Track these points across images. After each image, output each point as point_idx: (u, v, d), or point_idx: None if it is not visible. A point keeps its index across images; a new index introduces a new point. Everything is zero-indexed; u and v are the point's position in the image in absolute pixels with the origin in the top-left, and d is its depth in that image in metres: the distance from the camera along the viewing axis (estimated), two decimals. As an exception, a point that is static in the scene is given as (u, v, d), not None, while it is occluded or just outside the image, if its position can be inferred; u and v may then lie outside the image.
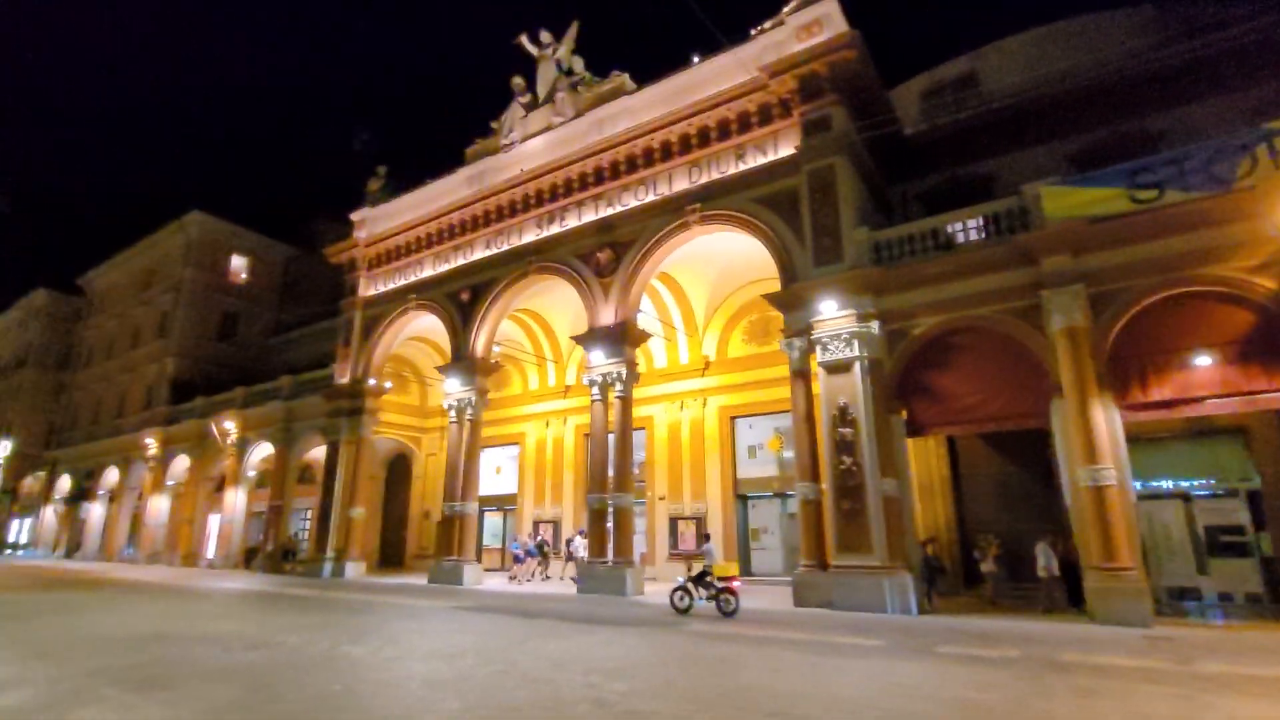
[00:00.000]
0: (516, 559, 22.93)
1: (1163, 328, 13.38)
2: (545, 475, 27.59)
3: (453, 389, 23.89)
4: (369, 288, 28.71)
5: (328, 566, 25.60)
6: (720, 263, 21.95)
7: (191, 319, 41.47)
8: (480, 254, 24.72)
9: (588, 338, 20.54)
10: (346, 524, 26.17)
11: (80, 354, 50.53)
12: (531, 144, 23.87)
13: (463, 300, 24.63)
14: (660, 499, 24.07)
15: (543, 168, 22.95)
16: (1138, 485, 14.07)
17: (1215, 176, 12.77)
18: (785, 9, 18.69)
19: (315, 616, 14.53)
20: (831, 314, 16.12)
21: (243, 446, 32.56)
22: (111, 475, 41.90)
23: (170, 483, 37.09)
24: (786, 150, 18.10)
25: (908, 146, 21.02)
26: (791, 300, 16.94)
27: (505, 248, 23.95)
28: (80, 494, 43.83)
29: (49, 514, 47.18)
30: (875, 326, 15.89)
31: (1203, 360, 13.02)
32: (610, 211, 21.33)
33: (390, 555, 32.06)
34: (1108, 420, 13.33)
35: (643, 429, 24.24)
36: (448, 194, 26.09)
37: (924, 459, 18.77)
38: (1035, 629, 12.03)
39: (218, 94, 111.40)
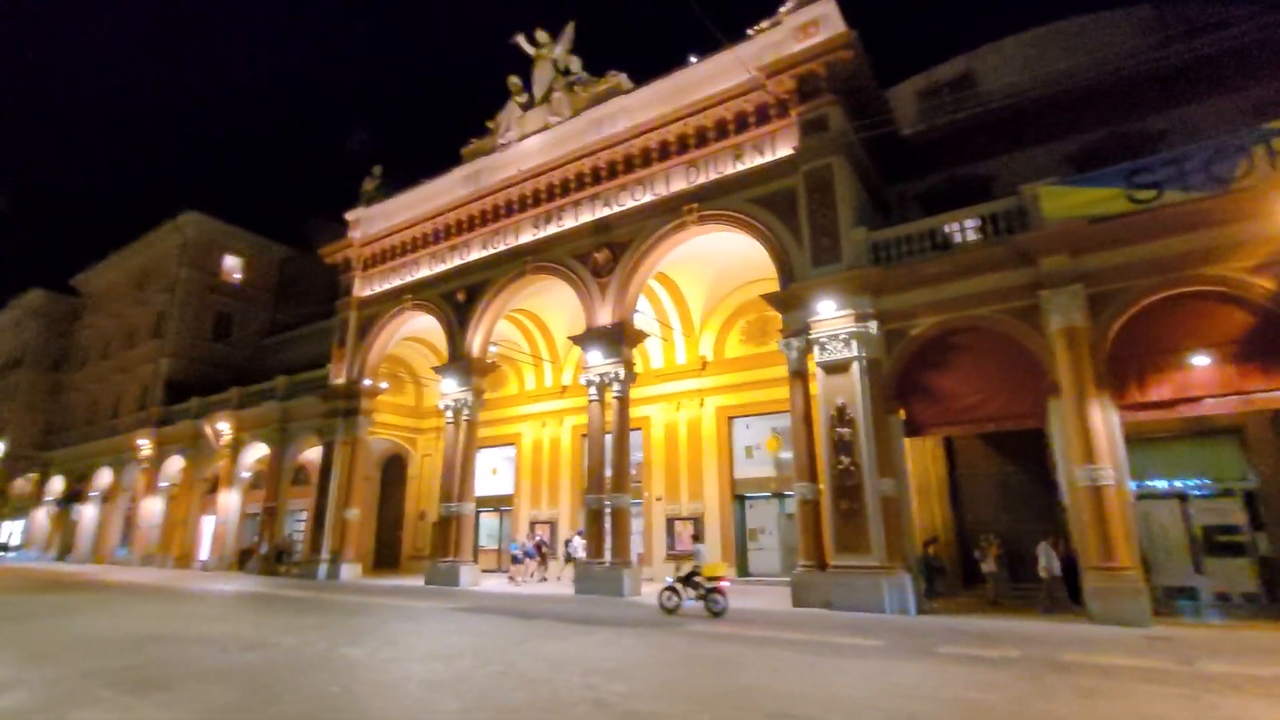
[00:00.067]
0: (515, 559, 22.85)
1: (1161, 328, 13.40)
2: (542, 476, 27.52)
3: (449, 389, 23.81)
4: (364, 288, 28.60)
5: (323, 568, 25.48)
6: (717, 263, 21.92)
7: (187, 319, 41.27)
8: (477, 254, 24.64)
9: (585, 338, 20.50)
10: (342, 525, 26.04)
11: (75, 354, 50.25)
12: (528, 144, 23.81)
13: (459, 300, 24.55)
14: (657, 499, 24.03)
15: (539, 167, 22.90)
16: (1134, 485, 14.08)
17: (1214, 177, 12.83)
18: (782, 9, 18.70)
19: (312, 618, 14.44)
20: (830, 314, 16.10)
21: (237, 447, 32.39)
22: (105, 476, 41.64)
23: (164, 484, 36.88)
24: (784, 150, 18.08)
25: (905, 147, 21.05)
26: (790, 300, 16.92)
27: (502, 248, 23.88)
28: (73, 495, 43.55)
29: (41, 515, 46.88)
30: (873, 326, 15.88)
31: (1200, 360, 13.04)
32: (607, 211, 21.29)
33: (385, 557, 31.93)
34: (1106, 420, 13.34)
35: (639, 429, 24.19)
36: (444, 194, 26.02)
37: (921, 459, 18.78)
38: (1034, 629, 12.02)
39: (213, 94, 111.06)
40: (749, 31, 19.18)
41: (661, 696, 7.34)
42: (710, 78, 19.53)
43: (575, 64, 23.76)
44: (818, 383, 16.22)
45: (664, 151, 20.34)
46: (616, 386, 19.72)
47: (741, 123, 18.98)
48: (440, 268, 25.73)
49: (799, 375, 16.75)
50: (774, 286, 17.76)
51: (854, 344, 15.73)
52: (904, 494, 15.35)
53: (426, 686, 7.85)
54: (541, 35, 24.64)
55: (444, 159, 26.61)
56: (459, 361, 23.77)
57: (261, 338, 43.77)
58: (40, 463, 47.76)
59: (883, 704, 6.89)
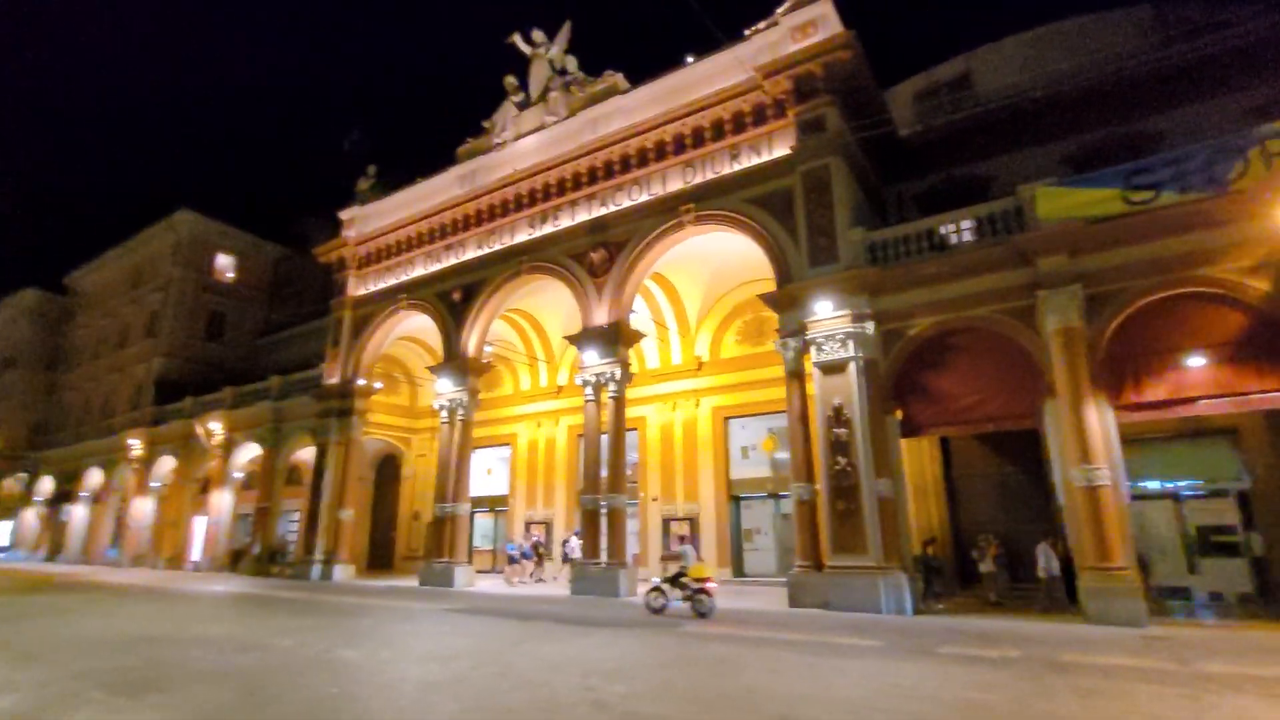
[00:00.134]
0: (511, 560, 22.76)
1: (1157, 329, 13.44)
2: (537, 476, 27.43)
3: (444, 389, 23.70)
4: (359, 287, 28.46)
5: (316, 569, 25.32)
6: (714, 263, 21.90)
7: (180, 318, 40.99)
8: (472, 253, 24.55)
9: (581, 338, 20.44)
10: (335, 526, 25.89)
11: (68, 354, 49.86)
12: (524, 143, 23.74)
13: (454, 300, 24.45)
14: (653, 500, 23.98)
15: (536, 167, 22.84)
16: (1129, 486, 14.11)
17: (1211, 178, 12.83)
18: (780, 9, 18.68)
19: (306, 619, 14.34)
20: (827, 314, 16.09)
21: (230, 447, 32.17)
22: (95, 476, 41.32)
23: (155, 484, 36.60)
24: (781, 151, 18.08)
25: (903, 147, 21.06)
26: (786, 300, 16.91)
27: (497, 247, 23.80)
28: (63, 495, 43.21)
29: (30, 516, 46.48)
30: (870, 327, 15.88)
31: (1196, 361, 13.09)
32: (604, 211, 21.24)
33: (379, 557, 31.77)
34: (1102, 420, 13.37)
35: (635, 429, 24.13)
36: (439, 193, 25.92)
37: (917, 460, 18.80)
38: (1031, 629, 12.03)
39: (207, 92, 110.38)
40: (746, 32, 19.17)
41: (662, 698, 7.29)
42: (707, 78, 19.52)
43: (572, 64, 23.70)
44: (814, 383, 16.21)
45: (661, 151, 20.30)
46: (612, 387, 19.67)
47: (738, 123, 18.97)
48: (435, 267, 25.62)
49: (796, 375, 16.73)
50: (770, 287, 17.75)
51: (851, 344, 15.73)
52: (900, 494, 15.36)
53: (424, 688, 7.79)
54: (538, 35, 24.58)
55: (439, 159, 26.51)
56: (454, 361, 23.67)
57: (255, 337, 43.53)
58: (30, 463, 47.35)
59: (884, 705, 6.86)
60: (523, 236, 23.15)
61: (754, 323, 23.20)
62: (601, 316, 20.21)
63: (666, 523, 23.30)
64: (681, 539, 17.94)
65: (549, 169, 22.46)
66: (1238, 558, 15.15)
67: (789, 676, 8.28)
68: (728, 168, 18.97)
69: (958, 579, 17.89)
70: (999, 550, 15.70)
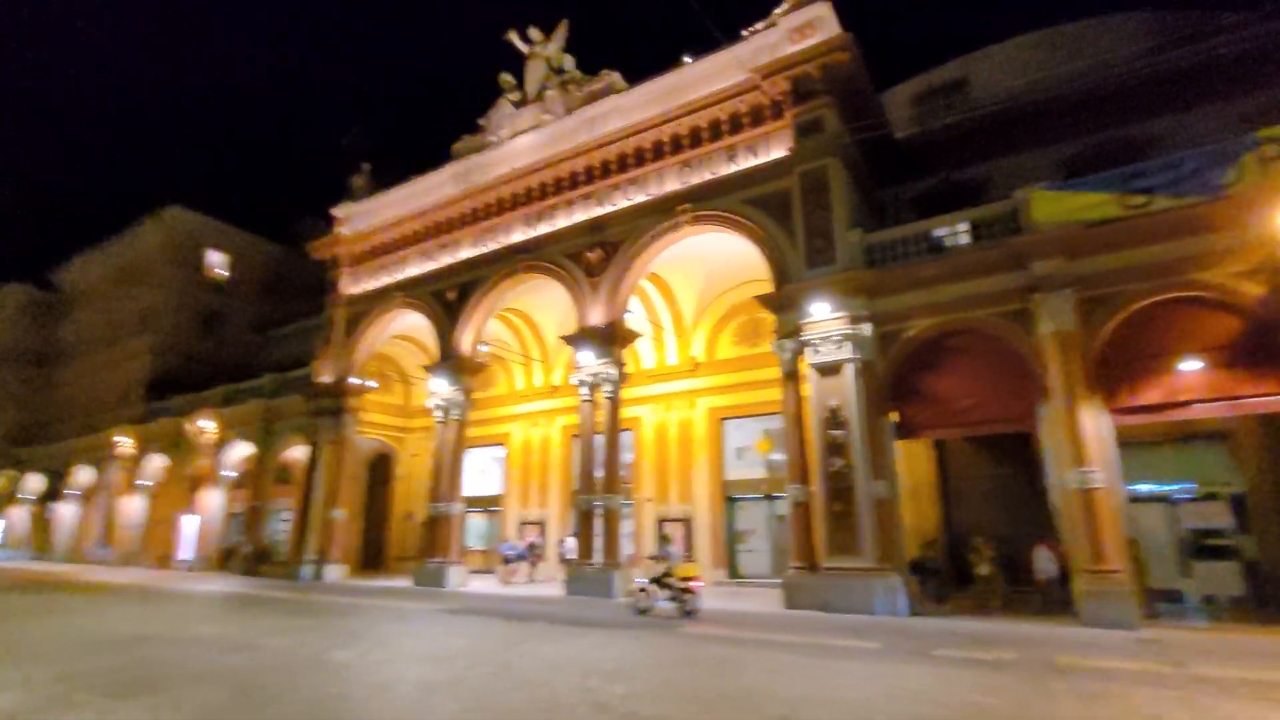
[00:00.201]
0: (506, 560, 22.67)
1: (1152, 332, 13.52)
2: (531, 476, 27.34)
3: (439, 388, 23.59)
4: (352, 285, 28.29)
5: (307, 569, 25.14)
6: (710, 264, 21.88)
7: (171, 316, 40.64)
8: (467, 252, 24.45)
9: (577, 338, 20.38)
10: (327, 525, 25.71)
11: (57, 351, 49.35)
12: (520, 141, 23.66)
13: (449, 299, 24.33)
14: (647, 500, 23.92)
15: (532, 166, 22.76)
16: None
17: (1204, 183, 12.96)
18: (778, 10, 18.71)
19: (300, 619, 14.23)
20: (823, 316, 16.11)
21: (221, 446, 31.90)
22: (84, 474, 40.91)
23: (145, 482, 36.28)
24: (779, 152, 18.09)
25: (899, 150, 21.10)
26: (783, 301, 16.91)
27: (493, 246, 23.71)
28: (51, 493, 42.78)
29: (17, 514, 45.98)
30: (867, 328, 15.91)
31: (1191, 365, 13.17)
32: (600, 211, 21.19)
33: (371, 557, 31.54)
34: (1097, 424, 13.44)
35: (630, 430, 24.07)
36: (434, 191, 25.79)
37: (912, 462, 18.80)
38: (1026, 631, 12.06)
39: (200, 89, 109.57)
40: (744, 33, 19.18)
41: (662, 699, 7.26)
42: (705, 78, 19.50)
43: (569, 62, 23.64)
44: (811, 384, 16.23)
45: (658, 151, 20.27)
46: (608, 387, 19.63)
47: (736, 124, 18.96)
48: (430, 265, 25.50)
49: (792, 377, 16.73)
50: (766, 288, 17.76)
51: (847, 346, 15.75)
52: (896, 496, 15.38)
53: (422, 689, 7.72)
54: (535, 33, 24.49)
55: (434, 156, 26.39)
56: (449, 360, 23.56)
57: (249, 335, 43.19)
58: (17, 460, 46.84)
59: (888, 708, 6.85)
60: (518, 235, 23.07)
61: (750, 324, 23.20)
62: (597, 316, 20.16)
63: (661, 523, 23.25)
64: (666, 539, 17.92)
65: (545, 168, 22.39)
66: (1230, 561, 15.25)
67: (788, 678, 8.26)
68: (725, 168, 18.96)
69: (951, 581, 17.92)
70: (994, 553, 15.72)
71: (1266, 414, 13.78)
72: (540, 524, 26.28)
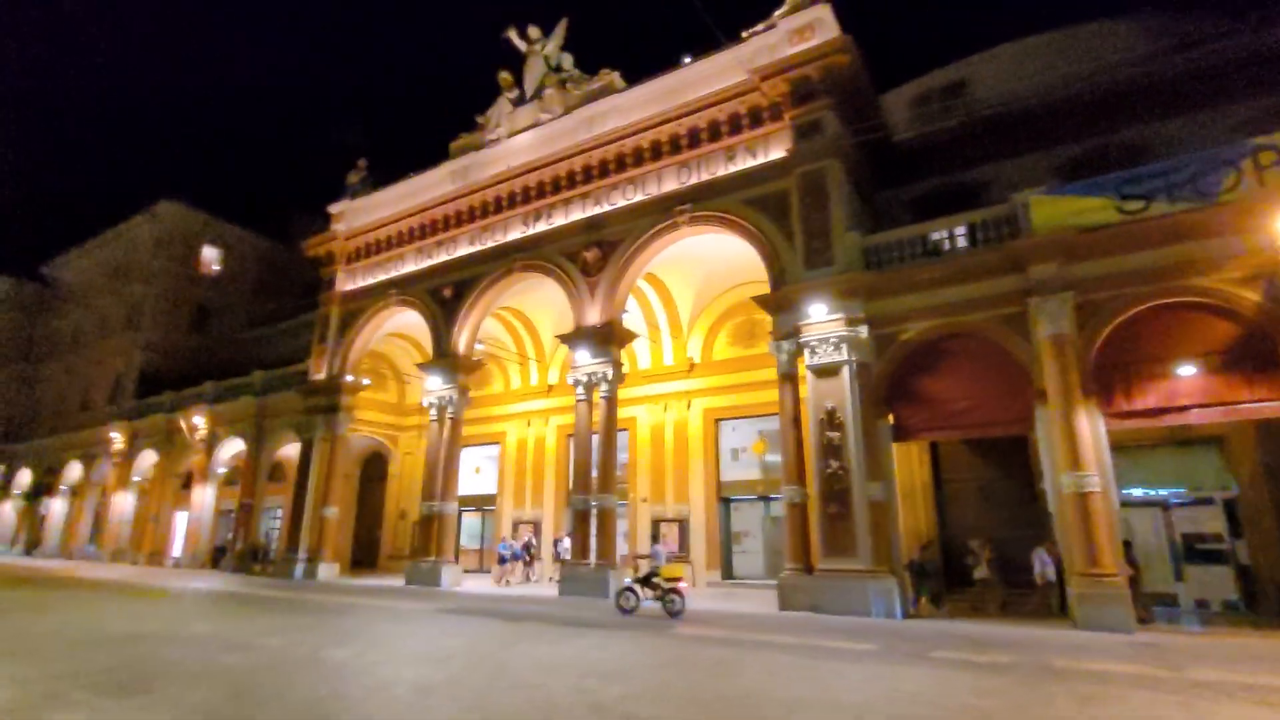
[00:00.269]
0: (501, 560, 22.62)
1: (1148, 337, 13.56)
2: (526, 476, 27.27)
3: (434, 387, 23.51)
4: (347, 282, 28.16)
5: (300, 567, 25.00)
6: (707, 264, 21.87)
7: (162, 311, 40.43)
8: (464, 250, 24.37)
9: (573, 337, 20.33)
10: (320, 524, 25.58)
11: (45, 345, 48.96)
12: (518, 140, 23.60)
13: (445, 297, 24.25)
14: (643, 501, 23.90)
15: (529, 164, 22.70)
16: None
17: (1201, 189, 13.02)
18: (777, 12, 18.72)
19: (293, 618, 14.14)
20: (821, 317, 16.11)
21: (212, 443, 31.73)
22: (74, 470, 40.65)
23: (136, 479, 36.05)
24: (777, 153, 18.09)
25: (897, 152, 21.14)
26: (781, 303, 16.91)
27: (490, 244, 23.64)
28: (41, 489, 42.45)
29: (7, 509, 45.64)
30: (864, 330, 15.92)
31: (1186, 370, 13.21)
32: (598, 210, 21.16)
33: (364, 556, 31.45)
34: (1092, 427, 13.46)
35: (626, 430, 24.04)
36: (431, 188, 25.70)
37: (906, 464, 18.80)
38: (1022, 634, 12.08)
39: (196, 85, 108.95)
40: (743, 34, 19.19)
41: (659, 700, 7.23)
42: (704, 79, 19.50)
43: (567, 61, 23.60)
44: (807, 386, 16.24)
45: (656, 151, 20.25)
46: (604, 387, 19.59)
47: (735, 124, 18.95)
48: (427, 263, 25.41)
49: (789, 378, 16.73)
50: (763, 289, 17.76)
51: (844, 348, 15.75)
52: (892, 498, 15.39)
53: (418, 690, 7.66)
54: (534, 31, 24.45)
55: (431, 154, 26.31)
56: (444, 359, 23.48)
57: (240, 331, 42.99)
58: (6, 455, 46.48)
59: (887, 710, 6.84)
60: (516, 234, 23.01)
61: (746, 325, 23.20)
62: (594, 316, 20.12)
63: (656, 524, 23.24)
64: (654, 539, 17.97)
65: (543, 166, 22.34)
66: (1223, 565, 15.33)
67: (785, 680, 8.24)
68: (724, 169, 18.95)
69: (945, 583, 17.95)
70: (992, 555, 15.76)
71: (1261, 419, 13.84)
72: (534, 524, 26.22)
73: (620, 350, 20.29)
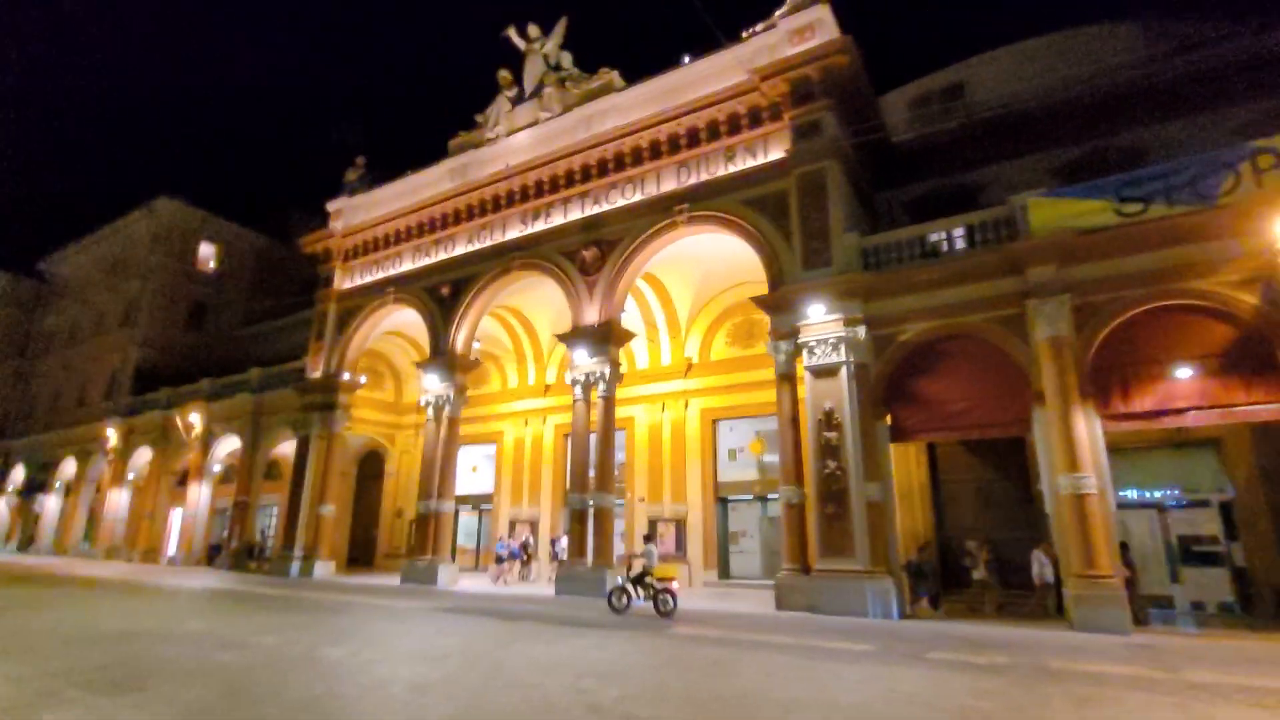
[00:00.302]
0: (499, 559, 22.59)
1: (1145, 339, 13.58)
2: (523, 475, 27.22)
3: (431, 385, 23.47)
4: (345, 280, 28.10)
5: (295, 565, 24.94)
6: (706, 264, 21.85)
7: (158, 307, 40.30)
8: (462, 249, 24.34)
9: (571, 336, 20.31)
10: (316, 522, 25.53)
11: (40, 341, 48.80)
12: (517, 138, 23.57)
13: (443, 295, 24.22)
14: (640, 500, 23.88)
15: (528, 163, 22.66)
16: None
17: (1200, 192, 13.04)
18: (777, 12, 18.72)
19: (289, 616, 14.09)
20: (819, 318, 16.12)
21: (208, 440, 31.66)
22: (69, 467, 40.51)
23: (131, 476, 35.96)
24: (776, 153, 18.09)
25: (895, 154, 21.17)
26: (779, 303, 16.90)
27: (488, 243, 23.61)
28: (35, 486, 42.30)
29: (1, 506, 45.47)
30: (862, 331, 15.92)
31: (1183, 373, 13.24)
32: (597, 209, 21.14)
33: (360, 555, 31.40)
34: (1089, 429, 13.48)
35: (623, 430, 24.01)
36: (429, 186, 25.66)
37: (904, 465, 18.83)
38: (1018, 635, 12.08)
39: (195, 82, 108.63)
40: (743, 34, 19.19)
41: (657, 701, 7.21)
42: (704, 78, 19.49)
43: (567, 59, 23.59)
44: (805, 386, 16.23)
45: (655, 151, 20.23)
46: (602, 386, 19.57)
47: (734, 124, 18.94)
48: (424, 261, 25.37)
49: (787, 378, 16.73)
50: (761, 289, 17.76)
51: (843, 348, 15.76)
52: (889, 499, 15.39)
53: (414, 689, 7.63)
54: (533, 29, 24.44)
55: (430, 153, 26.28)
56: (442, 357, 23.44)
57: (237, 328, 42.91)
58: (1, 452, 46.31)
59: (884, 711, 6.84)
60: (514, 233, 22.98)
61: (744, 325, 23.19)
62: (592, 315, 20.10)
63: (653, 524, 23.20)
64: (647, 538, 17.95)
65: (542, 165, 22.30)
66: (1218, 567, 15.36)
67: (783, 680, 8.23)
68: (723, 169, 18.95)
69: (941, 584, 17.96)
70: (990, 556, 15.77)
71: (1257, 422, 13.87)
72: (531, 523, 26.18)
73: (618, 350, 20.27)
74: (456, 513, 25.17)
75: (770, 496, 20.93)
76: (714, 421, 23.49)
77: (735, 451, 23.10)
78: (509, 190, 23.24)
